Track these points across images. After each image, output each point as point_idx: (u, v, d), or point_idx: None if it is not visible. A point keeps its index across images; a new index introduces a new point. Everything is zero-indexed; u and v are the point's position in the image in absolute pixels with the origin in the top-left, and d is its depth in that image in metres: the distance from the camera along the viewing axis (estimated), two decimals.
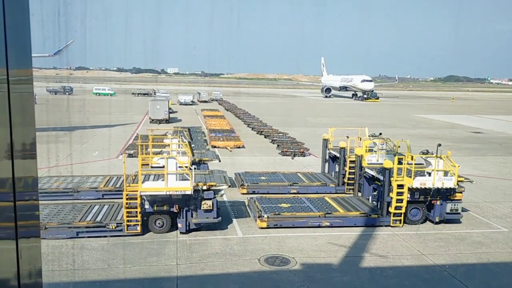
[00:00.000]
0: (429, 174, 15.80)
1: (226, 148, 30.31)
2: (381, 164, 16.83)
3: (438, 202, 15.90)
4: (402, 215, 15.71)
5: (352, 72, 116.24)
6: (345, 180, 19.77)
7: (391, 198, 15.55)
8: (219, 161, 21.73)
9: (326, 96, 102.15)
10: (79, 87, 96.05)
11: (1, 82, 1.78)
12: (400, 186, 15.51)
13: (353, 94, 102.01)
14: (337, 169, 20.80)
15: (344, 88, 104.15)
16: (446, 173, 15.73)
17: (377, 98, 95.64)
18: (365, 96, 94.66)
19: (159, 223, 14.43)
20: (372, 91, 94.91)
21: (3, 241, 1.89)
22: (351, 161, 19.38)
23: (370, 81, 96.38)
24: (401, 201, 15.50)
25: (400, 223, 15.75)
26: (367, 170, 17.99)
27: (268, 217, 15.17)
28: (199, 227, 14.62)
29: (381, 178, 16.34)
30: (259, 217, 15.30)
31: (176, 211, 14.32)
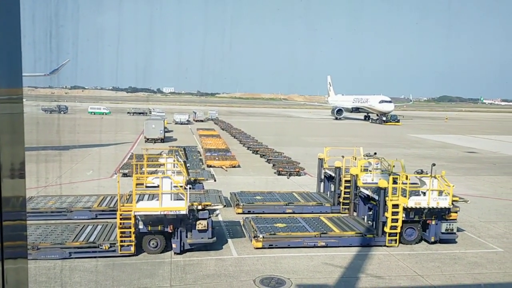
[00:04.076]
0: (424, 193, 15.83)
1: (222, 168, 30.26)
2: (376, 183, 16.85)
3: (433, 222, 15.89)
4: (398, 235, 15.67)
5: (345, 92, 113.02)
6: (341, 200, 19.76)
7: (386, 217, 15.53)
8: (215, 180, 21.68)
9: (337, 118, 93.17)
10: (74, 106, 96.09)
11: None
12: (395, 206, 15.51)
13: (365, 116, 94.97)
14: (332, 189, 20.79)
15: (356, 110, 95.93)
16: (440, 193, 15.76)
17: (398, 121, 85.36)
18: (384, 118, 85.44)
19: (153, 244, 14.28)
20: (389, 112, 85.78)
21: None
22: (346, 181, 19.39)
23: (390, 102, 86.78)
24: (396, 220, 15.48)
25: (396, 243, 15.69)
26: (362, 189, 18.00)
27: (263, 237, 15.07)
28: (194, 248, 14.48)
29: (376, 197, 16.34)
30: (254, 237, 15.19)
31: (170, 231, 14.19)
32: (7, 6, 1.81)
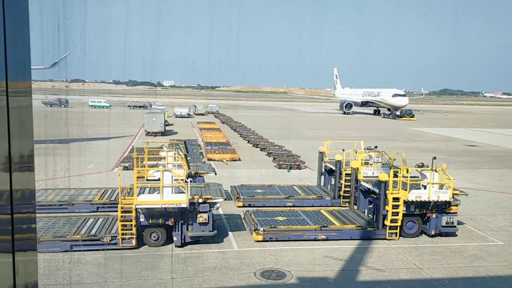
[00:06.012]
0: (425, 187, 15.84)
1: (222, 161, 30.27)
2: (377, 177, 16.85)
3: (434, 215, 15.91)
4: (398, 228, 15.70)
5: (350, 85, 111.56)
6: (341, 193, 19.76)
7: (387, 211, 15.55)
8: (215, 174, 21.68)
9: (345, 113, 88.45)
10: (75, 100, 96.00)
11: (0, 94, 1.79)
12: (396, 199, 15.52)
13: (375, 111, 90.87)
14: (333, 182, 20.79)
15: (366, 103, 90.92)
16: (441, 186, 15.77)
17: (413, 116, 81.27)
18: (398, 113, 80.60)
19: (154, 237, 14.33)
20: (403, 107, 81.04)
21: None
22: (347, 174, 19.39)
23: (404, 95, 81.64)
24: (396, 214, 15.50)
25: (396, 236, 15.73)
26: (362, 183, 18.01)
27: (264, 230, 15.10)
28: (195, 241, 14.52)
29: (377, 191, 16.35)
30: (255, 230, 15.23)
31: (171, 224, 14.23)
32: None
